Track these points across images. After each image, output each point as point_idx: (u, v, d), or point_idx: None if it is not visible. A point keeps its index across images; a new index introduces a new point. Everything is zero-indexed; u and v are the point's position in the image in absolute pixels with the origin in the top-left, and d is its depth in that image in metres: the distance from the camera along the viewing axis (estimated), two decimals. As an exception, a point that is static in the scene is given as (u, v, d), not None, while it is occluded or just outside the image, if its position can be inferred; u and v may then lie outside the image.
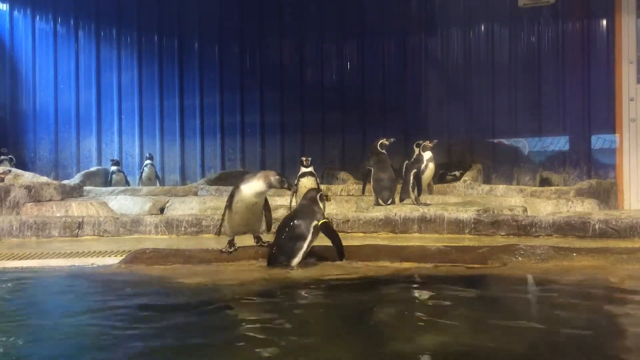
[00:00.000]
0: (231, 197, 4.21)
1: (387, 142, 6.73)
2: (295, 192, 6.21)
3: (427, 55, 9.38)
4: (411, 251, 4.42)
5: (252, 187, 4.15)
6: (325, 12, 9.84)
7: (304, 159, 6.39)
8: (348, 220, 5.87)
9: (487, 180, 8.64)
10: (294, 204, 6.40)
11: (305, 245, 4.01)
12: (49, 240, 5.84)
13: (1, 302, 3.38)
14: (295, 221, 4.05)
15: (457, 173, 8.45)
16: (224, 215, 4.28)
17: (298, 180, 6.24)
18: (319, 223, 4.01)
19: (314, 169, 6.44)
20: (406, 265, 4.16)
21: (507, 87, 8.87)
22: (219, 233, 5.51)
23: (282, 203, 6.82)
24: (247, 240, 4.73)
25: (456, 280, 3.77)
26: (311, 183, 6.12)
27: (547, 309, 3.10)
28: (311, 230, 4.00)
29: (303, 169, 6.29)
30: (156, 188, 8.83)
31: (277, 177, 4.15)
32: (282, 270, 4.03)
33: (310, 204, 4.15)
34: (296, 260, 4.01)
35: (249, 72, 10.09)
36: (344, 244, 4.25)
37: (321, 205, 4.17)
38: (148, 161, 9.72)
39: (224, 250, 4.36)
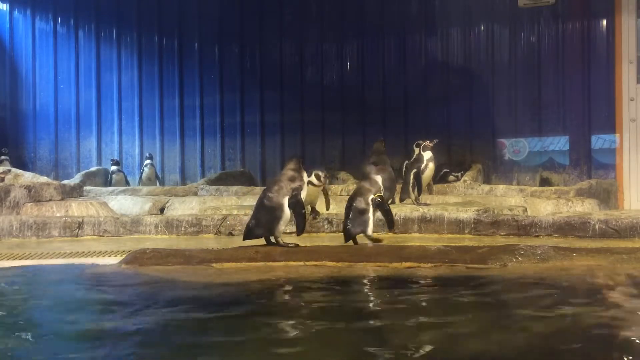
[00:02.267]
0: (295, 198, 4.44)
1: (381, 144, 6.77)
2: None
3: (427, 55, 9.37)
4: (411, 251, 4.43)
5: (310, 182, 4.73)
6: (325, 12, 9.84)
7: (322, 174, 4.98)
8: (348, 220, 5.87)
9: (487, 180, 8.64)
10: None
11: (371, 217, 4.64)
12: (49, 240, 5.84)
13: (1, 302, 3.38)
14: (357, 199, 4.69)
15: (458, 174, 8.42)
16: (279, 218, 4.43)
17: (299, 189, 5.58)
18: (374, 197, 4.67)
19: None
20: (406, 265, 4.16)
21: (507, 87, 8.87)
22: (217, 233, 5.63)
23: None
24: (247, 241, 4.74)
25: (456, 280, 3.77)
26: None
27: (547, 308, 3.09)
28: (370, 203, 4.65)
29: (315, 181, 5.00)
30: (156, 188, 8.83)
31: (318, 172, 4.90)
32: (279, 269, 4.04)
33: (366, 181, 4.84)
34: (370, 230, 4.64)
35: (249, 72, 10.08)
36: (345, 244, 4.53)
37: (378, 180, 4.88)
38: (148, 161, 9.71)
39: (291, 244, 4.52)
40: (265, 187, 4.77)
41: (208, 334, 2.69)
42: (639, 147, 7.90)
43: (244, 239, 4.53)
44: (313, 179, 4.95)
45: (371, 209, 4.64)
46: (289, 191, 4.44)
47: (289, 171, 4.61)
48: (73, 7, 10.41)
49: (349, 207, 4.70)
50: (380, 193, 4.76)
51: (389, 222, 4.80)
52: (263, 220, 4.44)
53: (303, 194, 4.52)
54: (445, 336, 2.60)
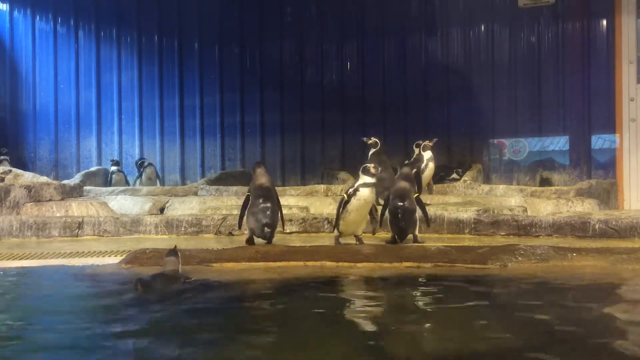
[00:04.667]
0: (347, 200, 4.75)
1: (369, 141, 6.81)
2: (348, 202, 4.78)
3: (427, 55, 9.37)
4: (411, 251, 4.43)
5: (366, 182, 4.74)
6: (325, 12, 9.84)
7: (372, 166, 4.83)
8: (348, 220, 5.86)
9: (487, 180, 8.63)
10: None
11: (417, 216, 4.97)
12: (49, 240, 5.84)
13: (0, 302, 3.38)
14: (406, 200, 4.93)
15: (456, 176, 8.38)
16: (338, 218, 4.79)
17: (356, 190, 4.78)
18: (415, 197, 5.01)
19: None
20: (406, 265, 4.16)
21: (507, 87, 8.86)
22: (217, 233, 5.79)
23: (283, 203, 6.80)
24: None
25: (456, 280, 3.77)
26: (372, 197, 4.87)
27: (546, 308, 3.09)
28: (414, 203, 4.96)
29: (367, 179, 4.79)
30: (156, 188, 8.82)
31: (371, 165, 4.82)
32: (279, 269, 4.04)
33: (406, 183, 5.02)
34: (417, 229, 4.97)
35: (249, 72, 10.07)
36: (345, 245, 4.63)
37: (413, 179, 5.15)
38: (149, 163, 9.72)
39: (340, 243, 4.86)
40: (261, 196, 4.91)
41: (207, 333, 2.69)
42: (639, 147, 7.90)
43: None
44: (366, 178, 4.76)
45: (416, 209, 4.96)
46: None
47: (267, 177, 5.08)
48: (73, 7, 10.41)
49: (397, 208, 4.87)
50: (417, 192, 5.15)
51: (427, 219, 5.16)
52: (275, 226, 4.94)
53: (358, 198, 4.70)
54: (444, 334, 2.60)
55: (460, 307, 3.13)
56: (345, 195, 4.82)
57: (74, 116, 10.35)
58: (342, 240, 4.87)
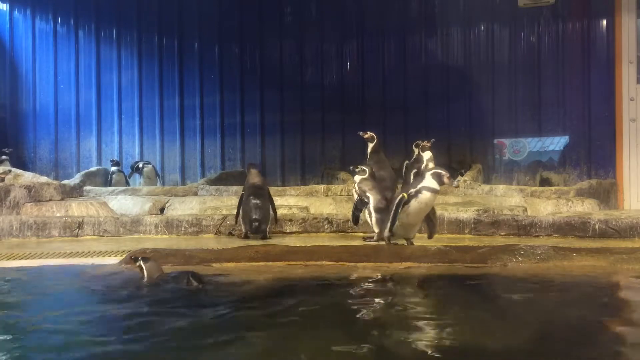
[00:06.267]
0: (407, 200, 4.34)
1: (365, 135, 6.73)
2: (407, 203, 4.39)
3: (427, 55, 9.37)
4: (411, 251, 4.43)
5: (432, 187, 4.33)
6: (325, 12, 9.84)
7: (446, 176, 4.32)
8: (348, 220, 5.87)
9: (487, 180, 8.64)
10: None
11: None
12: (49, 240, 5.84)
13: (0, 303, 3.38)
14: None
15: (460, 177, 8.36)
16: (395, 218, 4.41)
17: (418, 192, 4.38)
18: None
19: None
20: (406, 265, 4.16)
21: (507, 87, 8.87)
22: (217, 233, 5.95)
23: (282, 203, 6.82)
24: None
25: (456, 280, 3.77)
26: (433, 203, 4.51)
27: (545, 308, 3.10)
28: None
29: (434, 184, 4.35)
30: (156, 188, 8.81)
31: (446, 175, 4.31)
32: (279, 268, 4.04)
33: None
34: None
35: (249, 72, 10.08)
36: (344, 244, 4.59)
37: None
38: (142, 164, 9.72)
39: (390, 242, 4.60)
40: (252, 194, 5.55)
41: (207, 334, 2.69)
42: (639, 147, 7.90)
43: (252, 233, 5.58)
44: (433, 183, 4.32)
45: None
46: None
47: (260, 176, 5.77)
48: (73, 7, 10.41)
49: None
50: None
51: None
52: (265, 221, 5.55)
53: (420, 201, 4.32)
54: (443, 334, 2.60)
55: (460, 306, 3.13)
56: (405, 195, 4.35)
57: (74, 116, 10.35)
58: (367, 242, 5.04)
